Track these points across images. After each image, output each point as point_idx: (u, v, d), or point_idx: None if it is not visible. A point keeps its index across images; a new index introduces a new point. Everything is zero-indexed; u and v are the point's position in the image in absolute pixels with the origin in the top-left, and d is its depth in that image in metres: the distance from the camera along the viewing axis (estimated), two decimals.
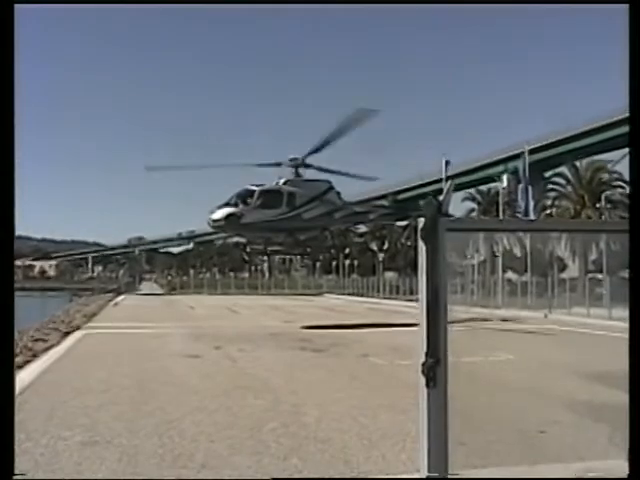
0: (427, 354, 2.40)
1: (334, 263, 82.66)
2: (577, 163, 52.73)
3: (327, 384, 8.63)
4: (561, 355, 12.11)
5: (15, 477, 2.79)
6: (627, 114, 2.96)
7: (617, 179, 50.52)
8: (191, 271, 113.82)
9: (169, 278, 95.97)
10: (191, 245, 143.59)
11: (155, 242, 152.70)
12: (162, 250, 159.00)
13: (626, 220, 2.77)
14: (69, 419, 6.14)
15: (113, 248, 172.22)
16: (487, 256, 45.63)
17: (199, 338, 14.71)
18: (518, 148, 51.37)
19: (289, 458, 4.84)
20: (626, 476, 2.68)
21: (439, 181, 44.76)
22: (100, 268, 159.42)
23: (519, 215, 40.19)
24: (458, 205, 62.08)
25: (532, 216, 39.16)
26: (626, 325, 2.78)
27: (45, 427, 5.81)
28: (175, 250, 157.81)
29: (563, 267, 39.86)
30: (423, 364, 2.42)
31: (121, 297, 45.31)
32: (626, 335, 2.76)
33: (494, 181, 57.51)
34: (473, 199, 69.50)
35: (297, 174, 28.55)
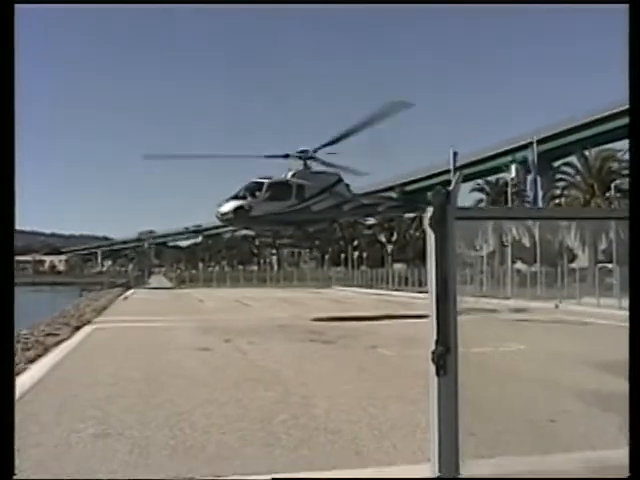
0: (437, 342, 2.40)
1: (343, 255, 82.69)
2: (586, 152, 52.44)
3: (336, 376, 8.64)
4: (571, 345, 12.07)
5: (15, 477, 2.80)
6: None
7: (627, 168, 50.23)
8: (200, 264, 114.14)
9: (178, 272, 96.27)
10: (200, 238, 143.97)
11: (165, 236, 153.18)
12: (171, 244, 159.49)
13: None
14: (81, 412, 6.19)
15: (122, 242, 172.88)
16: (496, 247, 45.51)
17: (209, 331, 14.76)
18: (526, 138, 51.17)
19: (300, 449, 4.86)
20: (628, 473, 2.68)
21: (447, 172, 44.64)
22: (109, 262, 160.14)
23: (528, 205, 40.05)
24: (466, 196, 61.89)
25: (541, 205, 38.99)
26: None
27: (58, 419, 5.86)
28: (184, 244, 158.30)
29: (573, 257, 39.70)
30: (433, 352, 2.42)
31: (130, 291, 45.48)
32: None
33: (502, 171, 57.27)
34: (481, 190, 69.33)
35: (306, 166, 28.45)
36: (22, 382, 7.84)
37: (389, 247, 77.34)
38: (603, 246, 42.32)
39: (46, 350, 10.95)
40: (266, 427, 5.56)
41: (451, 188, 2.41)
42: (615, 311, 19.42)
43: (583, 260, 42.68)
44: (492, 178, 68.50)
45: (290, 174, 28.40)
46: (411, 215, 69.06)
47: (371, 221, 78.47)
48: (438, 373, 2.40)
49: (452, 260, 2.47)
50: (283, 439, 5.16)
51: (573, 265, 36.72)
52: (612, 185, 47.45)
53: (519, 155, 50.75)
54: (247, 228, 37.40)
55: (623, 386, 2.80)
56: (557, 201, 53.01)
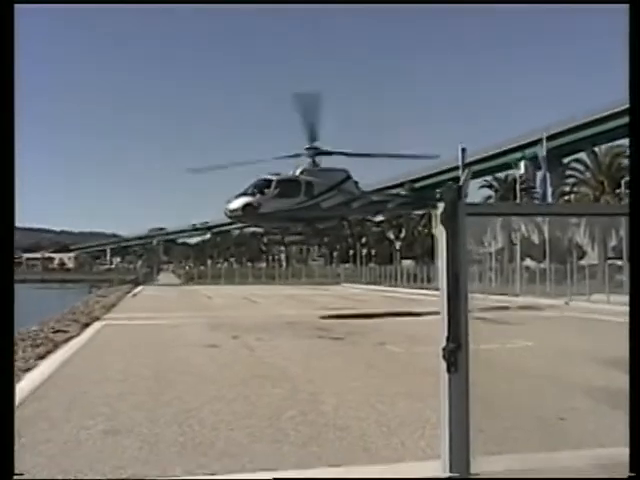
0: (448, 339, 2.39)
1: (351, 252, 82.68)
2: (596, 149, 52.18)
3: (344, 372, 8.64)
4: (580, 342, 12.02)
5: (15, 477, 2.81)
6: None
7: None
8: (208, 261, 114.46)
9: (187, 268, 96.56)
10: (208, 235, 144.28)
11: (175, 233, 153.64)
12: (179, 241, 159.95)
13: None
14: (90, 408, 6.21)
15: (131, 239, 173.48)
16: (505, 243, 45.38)
17: (217, 328, 14.78)
18: (535, 135, 50.96)
19: (308, 446, 4.86)
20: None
21: (456, 169, 44.53)
22: (118, 259, 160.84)
23: (537, 202, 39.87)
24: (475, 192, 61.79)
25: (550, 202, 38.80)
26: None
27: (68, 416, 5.89)
28: (192, 241, 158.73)
29: (582, 254, 39.52)
30: (444, 349, 2.41)
31: (139, 288, 45.63)
32: None
33: (511, 168, 57.09)
34: (490, 186, 69.18)
35: (314, 163, 28.36)
36: (32, 378, 7.89)
37: (397, 244, 77.25)
38: (613, 243, 42.13)
39: (56, 347, 10.99)
40: (274, 424, 5.56)
41: (461, 184, 2.40)
42: (625, 308, 19.30)
43: (593, 257, 42.50)
44: (501, 175, 68.37)
45: (299, 171, 28.31)
46: (419, 212, 68.93)
47: (379, 218, 78.45)
48: (449, 370, 2.39)
49: (463, 256, 2.45)
50: (292, 435, 5.16)
51: (582, 262, 36.53)
52: (622, 182, 47.17)
53: (528, 152, 50.55)
54: (256, 225, 37.32)
55: None
56: (566, 198, 52.77)
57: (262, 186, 27.48)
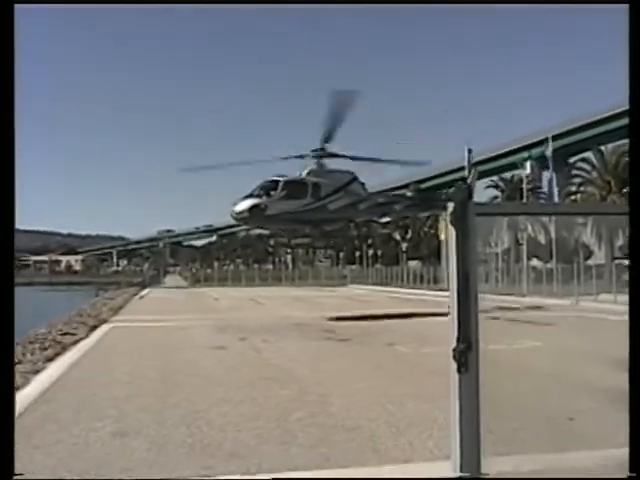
0: (458, 339, 2.38)
1: (357, 253, 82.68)
2: (602, 148, 52.01)
3: (352, 373, 8.63)
4: (589, 342, 11.96)
5: (15, 477, 2.82)
6: None
7: None
8: (215, 263, 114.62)
9: (193, 271, 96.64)
10: (214, 238, 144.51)
11: (182, 235, 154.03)
12: (186, 243, 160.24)
13: None
14: (99, 410, 6.22)
15: (137, 242, 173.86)
16: (511, 244, 45.27)
17: (224, 330, 14.79)
18: (541, 135, 50.81)
19: (317, 447, 4.85)
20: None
21: (461, 169, 44.44)
22: (125, 262, 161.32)
23: (543, 202, 39.75)
24: (481, 193, 61.69)
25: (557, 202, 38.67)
26: None
27: (76, 418, 5.90)
28: (199, 243, 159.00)
29: (589, 254, 39.40)
30: (454, 349, 2.40)
31: (146, 290, 45.73)
32: None
33: (517, 168, 56.94)
34: (496, 187, 69.05)
35: (320, 165, 28.24)
36: (41, 381, 7.91)
37: (404, 245, 77.16)
38: (620, 242, 41.95)
39: (64, 349, 11.02)
40: (282, 425, 5.56)
41: (468, 182, 2.39)
42: None
43: (600, 257, 42.37)
44: (507, 175, 68.23)
45: (305, 172, 28.19)
46: (426, 213, 68.83)
47: (385, 219, 78.36)
48: (459, 370, 2.38)
49: (473, 256, 2.44)
50: (300, 437, 5.16)
51: (589, 262, 36.43)
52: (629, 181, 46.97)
53: (534, 151, 50.42)
54: (263, 227, 37.16)
55: None
56: (573, 198, 52.61)
57: (268, 188, 27.33)
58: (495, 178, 69.35)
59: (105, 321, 17.20)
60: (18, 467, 4.33)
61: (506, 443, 4.60)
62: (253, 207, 27.04)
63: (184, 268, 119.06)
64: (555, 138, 45.05)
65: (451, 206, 2.39)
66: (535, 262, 41.73)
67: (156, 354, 10.87)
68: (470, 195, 2.36)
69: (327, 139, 26.91)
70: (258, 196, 27.27)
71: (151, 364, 9.51)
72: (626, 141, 53.01)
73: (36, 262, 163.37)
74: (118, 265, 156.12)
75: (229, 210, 28.56)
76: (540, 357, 9.95)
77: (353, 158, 28.44)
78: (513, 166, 61.66)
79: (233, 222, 33.32)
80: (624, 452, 4.14)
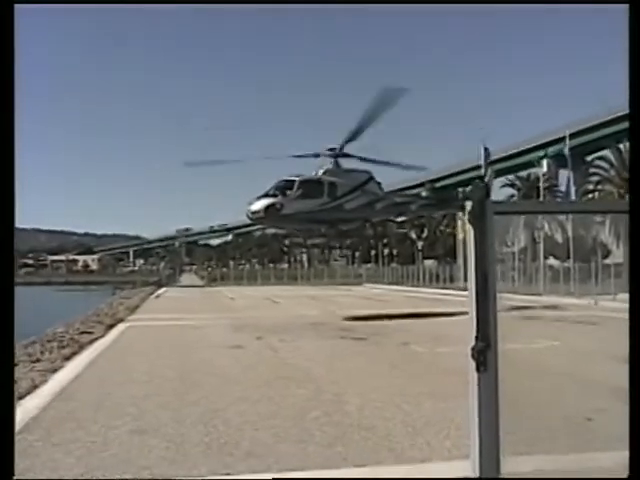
0: (477, 338, 2.38)
1: (373, 252, 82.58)
2: (621, 146, 51.52)
3: (368, 372, 8.63)
4: (607, 343, 11.86)
5: (15, 477, 2.84)
6: None
7: None
8: (230, 263, 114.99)
9: (209, 270, 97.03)
10: (230, 237, 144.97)
11: (197, 234, 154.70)
12: (201, 242, 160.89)
13: None
14: (117, 409, 6.27)
15: (153, 241, 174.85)
16: (528, 242, 44.96)
17: (240, 329, 14.84)
18: (556, 133, 50.46)
19: (334, 446, 4.86)
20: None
21: (478, 168, 44.26)
22: (141, 261, 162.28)
23: (560, 200, 39.44)
24: (497, 192, 61.40)
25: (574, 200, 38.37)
26: None
27: (95, 416, 5.95)
28: (214, 242, 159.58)
29: (607, 253, 39.02)
30: (473, 348, 2.40)
31: (162, 289, 45.97)
32: None
33: (533, 166, 56.62)
34: (512, 185, 68.68)
35: (336, 164, 28.13)
36: (59, 379, 7.98)
37: (419, 244, 76.89)
38: None
39: (81, 348, 11.11)
40: (299, 424, 5.58)
41: (486, 181, 2.40)
42: None
43: (618, 256, 41.95)
44: (523, 173, 67.86)
45: (321, 172, 28.07)
46: (442, 212, 68.54)
47: (401, 218, 78.13)
48: (478, 369, 2.38)
49: (492, 255, 2.44)
50: (317, 436, 5.17)
51: (607, 261, 36.10)
52: None
53: (551, 150, 50.12)
54: (278, 227, 37.04)
55: None
56: (590, 196, 52.22)
57: (284, 187, 27.19)
58: (511, 177, 69.00)
59: (122, 320, 17.31)
60: (38, 465, 4.40)
61: (528, 444, 4.58)
62: (269, 207, 26.94)
63: (200, 267, 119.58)
64: (572, 136, 44.72)
65: (469, 205, 2.40)
66: (552, 261, 41.41)
67: (173, 353, 10.93)
68: (488, 193, 2.36)
69: (352, 137, 26.68)
70: (274, 195, 27.15)
71: (168, 363, 9.57)
72: None
73: (53, 262, 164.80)
74: (134, 264, 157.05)
75: (245, 209, 28.56)
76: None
77: (366, 160, 28.31)
78: (528, 165, 61.35)
79: (248, 221, 33.21)
80: None
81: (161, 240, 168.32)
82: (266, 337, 12.87)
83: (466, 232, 2.45)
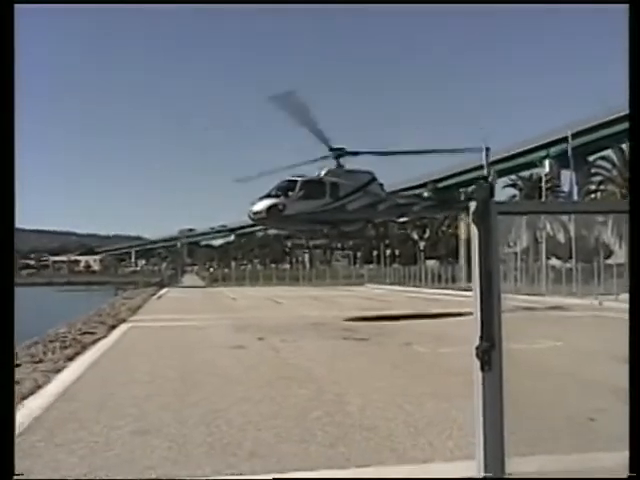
0: (481, 337, 2.38)
1: (375, 253, 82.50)
2: (623, 146, 51.46)
3: (370, 373, 8.63)
4: (611, 343, 11.85)
5: (15, 477, 2.84)
6: None
7: None
8: (232, 263, 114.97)
9: (211, 270, 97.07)
10: (232, 237, 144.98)
11: (199, 235, 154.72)
12: (203, 243, 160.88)
13: None
14: (119, 409, 6.27)
15: (155, 242, 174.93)
16: (530, 243, 44.93)
17: (242, 329, 14.85)
18: (558, 133, 50.40)
19: (336, 446, 4.86)
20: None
21: (479, 168, 44.20)
22: (143, 262, 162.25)
23: (562, 200, 39.43)
24: (500, 192, 61.35)
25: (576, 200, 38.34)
26: None
27: (97, 417, 5.95)
28: (216, 243, 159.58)
29: (609, 253, 39.00)
30: (477, 347, 2.40)
31: (164, 290, 46.00)
32: None
33: (535, 167, 56.56)
34: (514, 185, 68.62)
35: (339, 164, 28.01)
36: (62, 380, 7.99)
37: (421, 244, 76.86)
38: None
39: (84, 348, 11.13)
40: (301, 424, 5.57)
41: (490, 181, 2.40)
42: None
43: (620, 256, 41.90)
44: (525, 174, 67.79)
45: (324, 172, 27.97)
46: (445, 214, 68.42)
47: (403, 218, 78.03)
48: (483, 368, 2.38)
49: (496, 255, 2.44)
50: (319, 436, 5.16)
51: (609, 261, 36.06)
52: None
53: (553, 150, 50.06)
54: (280, 228, 36.82)
55: None
56: (593, 196, 52.16)
57: (286, 188, 27.06)
58: (513, 177, 68.95)
59: (124, 321, 17.33)
60: (40, 464, 4.41)
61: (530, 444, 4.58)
62: (271, 207, 26.84)
63: (202, 268, 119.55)
64: (574, 136, 44.67)
65: (473, 204, 2.40)
66: (554, 261, 41.38)
67: (175, 353, 10.93)
68: (492, 193, 2.37)
69: (324, 139, 26.63)
70: (276, 196, 27.05)
71: (170, 363, 9.57)
72: None
73: (55, 262, 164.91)
74: (136, 265, 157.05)
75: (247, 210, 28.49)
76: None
77: (375, 153, 28.15)
78: (530, 165, 61.25)
79: (250, 222, 33.06)
80: None
81: (163, 241, 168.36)
82: (268, 337, 12.87)
83: (471, 232, 2.45)
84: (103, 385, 7.78)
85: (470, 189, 69.11)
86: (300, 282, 62.89)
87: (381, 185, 29.64)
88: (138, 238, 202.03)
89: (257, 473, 4.24)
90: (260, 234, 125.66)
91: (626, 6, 3.01)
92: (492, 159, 40.37)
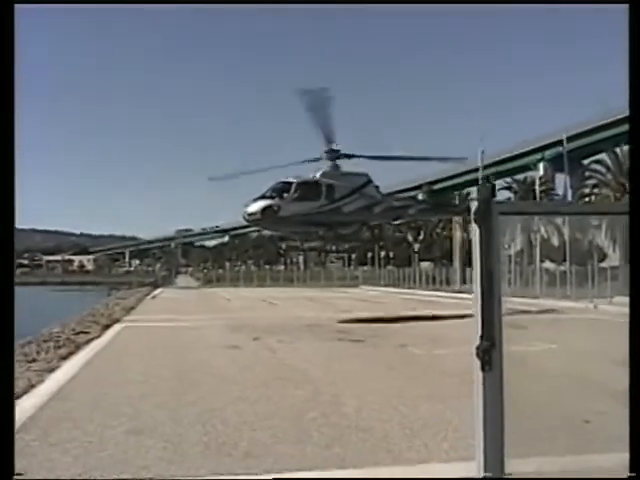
0: (482, 337, 2.38)
1: (369, 254, 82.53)
2: (617, 149, 51.60)
3: (366, 374, 8.63)
4: (607, 344, 11.87)
5: (15, 477, 2.82)
6: None
7: None
8: (227, 264, 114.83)
9: (205, 271, 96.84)
10: (226, 238, 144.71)
11: (193, 235, 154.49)
12: (197, 244, 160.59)
13: None
14: (113, 409, 6.25)
15: (149, 242, 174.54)
16: (524, 245, 45.01)
17: (237, 330, 14.82)
18: (553, 136, 50.54)
19: (332, 447, 4.85)
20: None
21: (475, 170, 44.28)
22: (137, 262, 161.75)
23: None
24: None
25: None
26: None
27: (91, 416, 5.92)
28: (210, 244, 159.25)
29: (603, 256, 39.11)
30: (478, 347, 2.40)
31: (158, 290, 45.89)
32: None
33: (530, 169, 56.72)
34: (509, 188, 68.79)
35: (335, 166, 27.92)
36: (56, 379, 7.96)
37: (416, 246, 76.90)
38: None
39: (77, 348, 11.08)
40: (297, 424, 5.56)
41: (491, 181, 2.40)
42: None
43: (614, 259, 42.03)
44: (520, 176, 67.98)
45: (319, 174, 27.88)
46: (441, 217, 68.51)
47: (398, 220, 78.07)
48: (483, 368, 2.38)
49: (497, 255, 2.44)
50: (315, 436, 5.15)
51: (603, 264, 36.15)
52: None
53: (547, 153, 50.17)
54: (275, 230, 36.67)
55: None
56: (587, 199, 52.29)
57: (281, 189, 26.91)
58: (509, 180, 69.11)
59: (118, 321, 17.27)
60: (35, 464, 4.38)
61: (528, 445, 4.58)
62: (265, 209, 26.73)
63: (196, 268, 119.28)
64: (569, 139, 44.79)
65: (475, 204, 2.40)
66: (548, 264, 41.46)
67: (169, 353, 10.90)
68: (494, 193, 2.37)
69: (329, 139, 26.58)
70: (271, 197, 26.93)
71: (164, 363, 9.54)
72: None
73: (49, 262, 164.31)
74: (130, 265, 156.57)
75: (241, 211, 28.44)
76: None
77: (370, 157, 28.16)
78: (525, 168, 61.41)
79: (244, 223, 33.01)
80: None
81: (157, 241, 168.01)
82: (263, 338, 12.85)
83: (471, 233, 2.45)
84: (97, 385, 7.76)
85: (465, 191, 69.31)
86: (294, 283, 62.81)
87: (377, 187, 29.60)
88: (133, 238, 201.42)
89: (253, 473, 4.23)
90: (254, 235, 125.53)
91: (626, 6, 3.01)
92: (487, 162, 40.52)
